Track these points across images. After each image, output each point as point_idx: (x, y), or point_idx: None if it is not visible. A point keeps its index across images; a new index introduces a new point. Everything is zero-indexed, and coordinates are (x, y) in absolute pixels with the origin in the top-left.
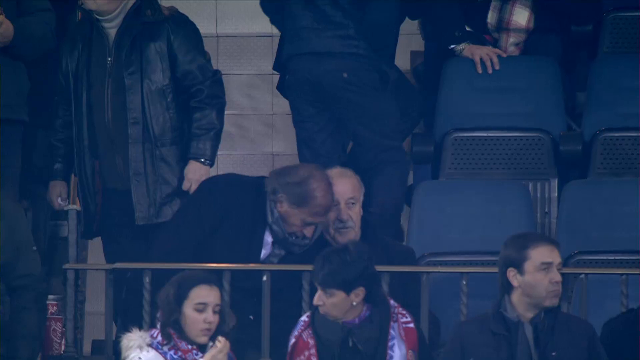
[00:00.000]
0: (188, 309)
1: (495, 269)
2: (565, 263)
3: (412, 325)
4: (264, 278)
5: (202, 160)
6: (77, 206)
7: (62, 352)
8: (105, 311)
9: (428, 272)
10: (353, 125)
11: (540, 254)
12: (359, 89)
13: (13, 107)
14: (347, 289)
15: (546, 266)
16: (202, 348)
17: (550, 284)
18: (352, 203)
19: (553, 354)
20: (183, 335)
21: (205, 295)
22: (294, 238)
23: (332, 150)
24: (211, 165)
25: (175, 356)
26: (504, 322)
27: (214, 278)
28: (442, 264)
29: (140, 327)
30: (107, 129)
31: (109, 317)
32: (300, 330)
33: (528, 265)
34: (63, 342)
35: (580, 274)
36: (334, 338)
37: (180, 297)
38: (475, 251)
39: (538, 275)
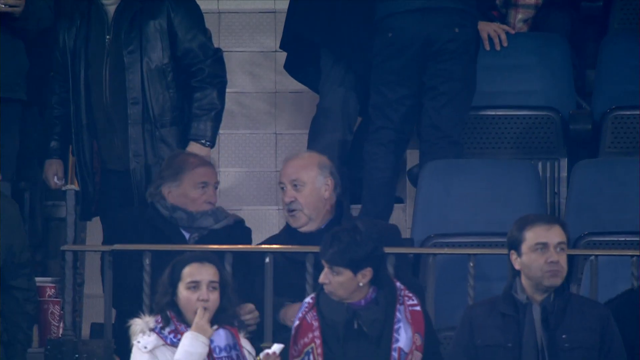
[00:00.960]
0: (181, 289)
1: (502, 251)
2: (574, 244)
3: (418, 308)
4: (267, 260)
5: (203, 141)
6: (75, 186)
7: (60, 336)
8: (105, 294)
9: (434, 254)
10: (439, 90)
11: (535, 235)
12: (465, 46)
13: (12, 86)
14: (355, 268)
15: (541, 246)
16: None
17: (546, 264)
18: (295, 185)
19: (563, 336)
20: (182, 319)
21: (196, 273)
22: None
23: (406, 122)
24: (212, 146)
25: (174, 340)
26: (514, 303)
27: (209, 256)
28: (449, 245)
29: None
30: (105, 108)
31: (108, 300)
32: (304, 312)
33: (524, 247)
34: (61, 325)
35: (590, 255)
36: (339, 319)
37: (174, 279)
38: (483, 232)
39: (533, 255)
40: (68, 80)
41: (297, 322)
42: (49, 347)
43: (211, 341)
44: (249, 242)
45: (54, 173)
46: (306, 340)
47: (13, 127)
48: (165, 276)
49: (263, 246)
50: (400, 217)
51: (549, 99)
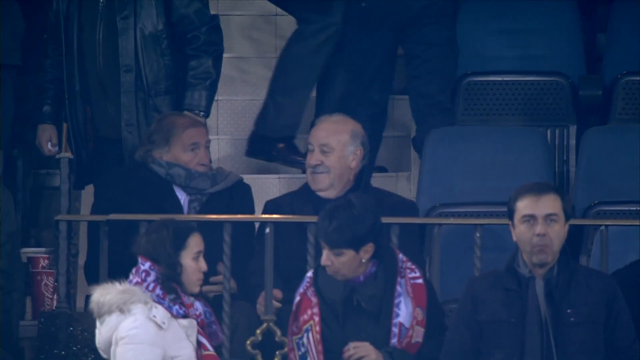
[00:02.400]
0: (187, 259)
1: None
2: (584, 214)
3: (420, 281)
4: (267, 230)
5: (197, 111)
6: (69, 154)
7: (54, 308)
8: (100, 265)
9: (439, 224)
10: (422, 58)
11: (523, 206)
12: (444, 8)
13: (8, 51)
14: (357, 246)
15: (528, 218)
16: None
17: (534, 237)
18: (324, 150)
19: (568, 311)
20: (184, 288)
21: (200, 243)
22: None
23: (383, 93)
24: (206, 116)
25: (180, 311)
26: (517, 277)
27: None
28: (455, 215)
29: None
30: (98, 74)
31: (104, 271)
32: (305, 288)
33: (516, 219)
34: (55, 297)
35: (600, 225)
36: (337, 297)
37: (178, 247)
38: (490, 202)
39: (522, 227)
40: (61, 43)
41: (298, 298)
42: (42, 319)
43: (196, 309)
44: (251, 201)
45: (47, 139)
46: (305, 317)
47: (8, 93)
48: (168, 243)
49: (263, 216)
50: (405, 186)
51: (558, 63)
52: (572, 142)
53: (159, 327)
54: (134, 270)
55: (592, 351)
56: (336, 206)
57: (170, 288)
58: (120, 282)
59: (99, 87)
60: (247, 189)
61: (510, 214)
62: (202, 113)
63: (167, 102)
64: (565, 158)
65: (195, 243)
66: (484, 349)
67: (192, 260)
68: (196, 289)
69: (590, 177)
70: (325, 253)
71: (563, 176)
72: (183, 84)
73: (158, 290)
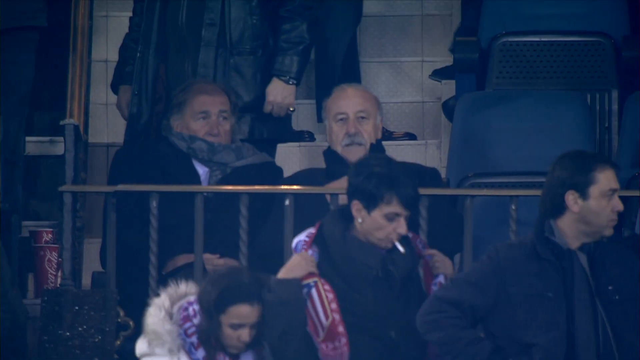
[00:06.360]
0: (225, 323)
1: None
2: (627, 184)
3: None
4: (287, 202)
5: (286, 77)
6: (74, 120)
7: (58, 285)
8: (108, 240)
9: (472, 196)
10: None
11: (608, 179)
12: None
13: (32, 12)
14: None
15: (612, 192)
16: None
17: (612, 212)
18: (362, 117)
19: (609, 288)
20: (220, 346)
21: (245, 315)
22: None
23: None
24: (297, 84)
25: None
26: (552, 248)
27: (257, 293)
28: (488, 186)
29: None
30: (179, 29)
31: (112, 246)
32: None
33: (594, 190)
34: (59, 274)
35: None
36: (374, 264)
37: (219, 308)
38: (526, 172)
39: (602, 201)
40: None
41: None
42: (45, 298)
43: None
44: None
45: (128, 101)
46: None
47: (29, 56)
48: (212, 300)
49: (282, 187)
50: (435, 155)
51: (600, 23)
52: (615, 107)
53: None
54: (192, 298)
55: (637, 331)
56: (377, 165)
57: (207, 343)
58: (169, 304)
59: (179, 42)
60: (277, 171)
61: (579, 184)
62: (292, 80)
63: (249, 63)
64: (606, 124)
65: (236, 314)
66: (514, 325)
67: (228, 327)
68: (234, 350)
69: (633, 145)
70: (403, 221)
71: (604, 144)
72: (273, 48)
73: (194, 339)
